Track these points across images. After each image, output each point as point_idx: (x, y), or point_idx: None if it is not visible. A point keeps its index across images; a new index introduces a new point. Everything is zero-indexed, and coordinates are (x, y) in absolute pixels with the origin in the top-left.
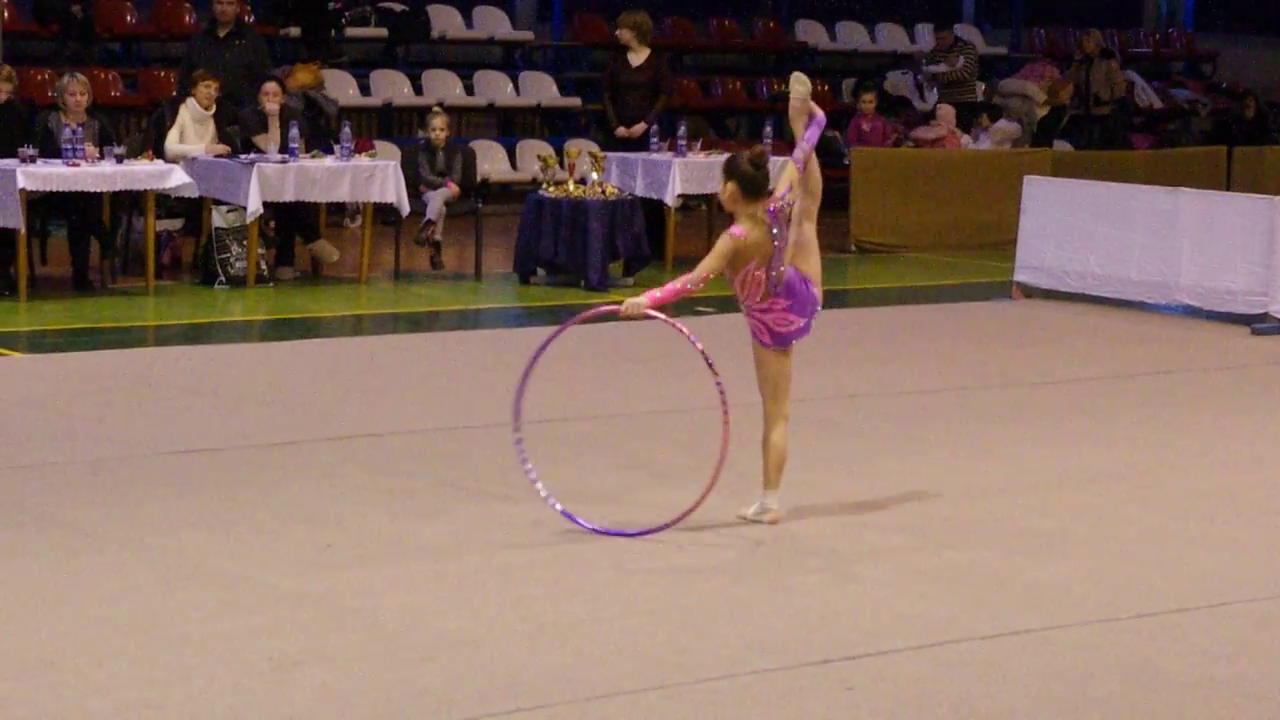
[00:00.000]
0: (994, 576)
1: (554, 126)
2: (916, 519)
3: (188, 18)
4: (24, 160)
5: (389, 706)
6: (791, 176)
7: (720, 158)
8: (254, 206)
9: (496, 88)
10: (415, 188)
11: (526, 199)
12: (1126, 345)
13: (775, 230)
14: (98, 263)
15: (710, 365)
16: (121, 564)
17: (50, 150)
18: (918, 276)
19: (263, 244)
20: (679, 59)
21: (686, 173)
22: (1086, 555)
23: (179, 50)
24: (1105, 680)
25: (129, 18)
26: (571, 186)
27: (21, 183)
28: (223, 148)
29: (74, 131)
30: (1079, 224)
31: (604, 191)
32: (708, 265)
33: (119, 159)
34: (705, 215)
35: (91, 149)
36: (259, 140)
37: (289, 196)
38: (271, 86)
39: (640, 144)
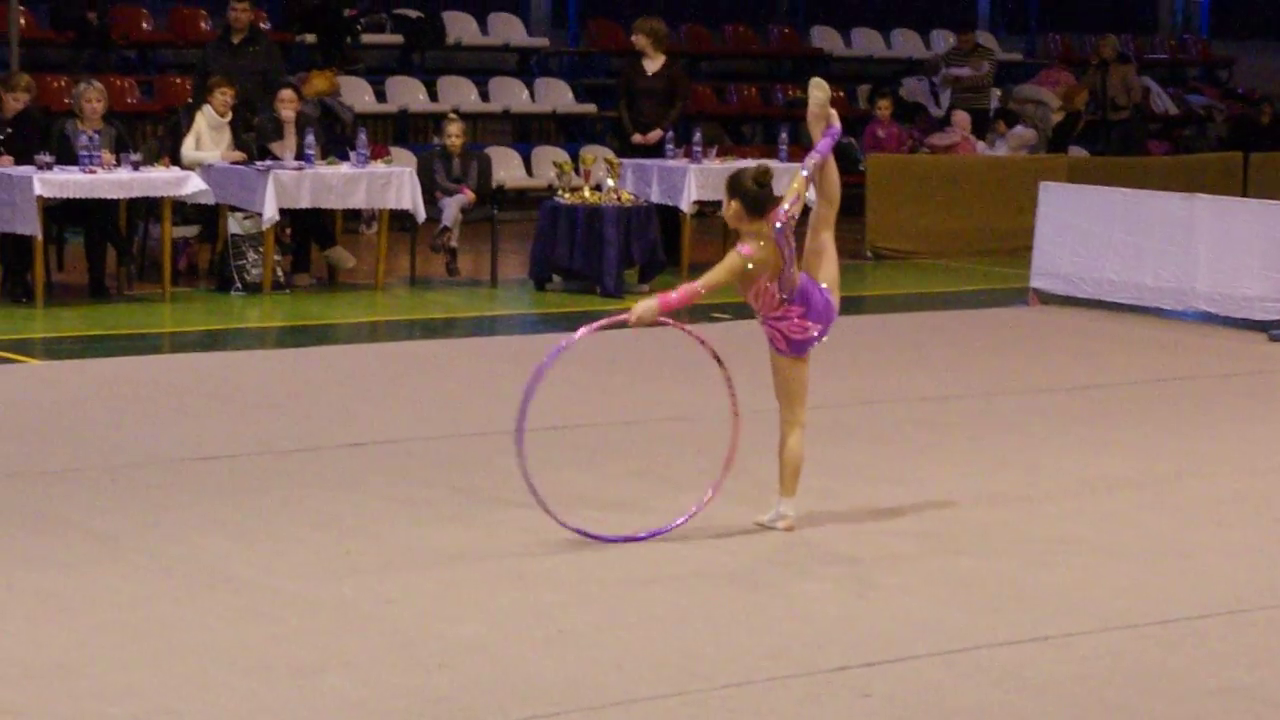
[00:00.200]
0: (1012, 583)
1: (569, 133)
2: (934, 525)
3: (204, 25)
4: (41, 167)
5: (406, 713)
6: (798, 188)
7: (736, 164)
8: (270, 213)
9: (512, 94)
10: (431, 194)
11: (542, 205)
12: (1143, 351)
13: (782, 244)
14: (114, 269)
15: (718, 359)
16: (139, 570)
17: (67, 157)
18: (934, 283)
19: (279, 251)
20: (694, 65)
21: (702, 179)
22: (1104, 562)
23: (195, 57)
24: (1124, 687)
25: (145, 25)
26: (587, 193)
27: (38, 190)
28: (239, 155)
29: (90, 139)
30: (1095, 230)
31: (619, 198)
32: (716, 278)
33: (135, 166)
34: (721, 221)
35: (108, 156)
36: (275, 147)
37: (305, 203)
38: (287, 94)
39: (656, 150)
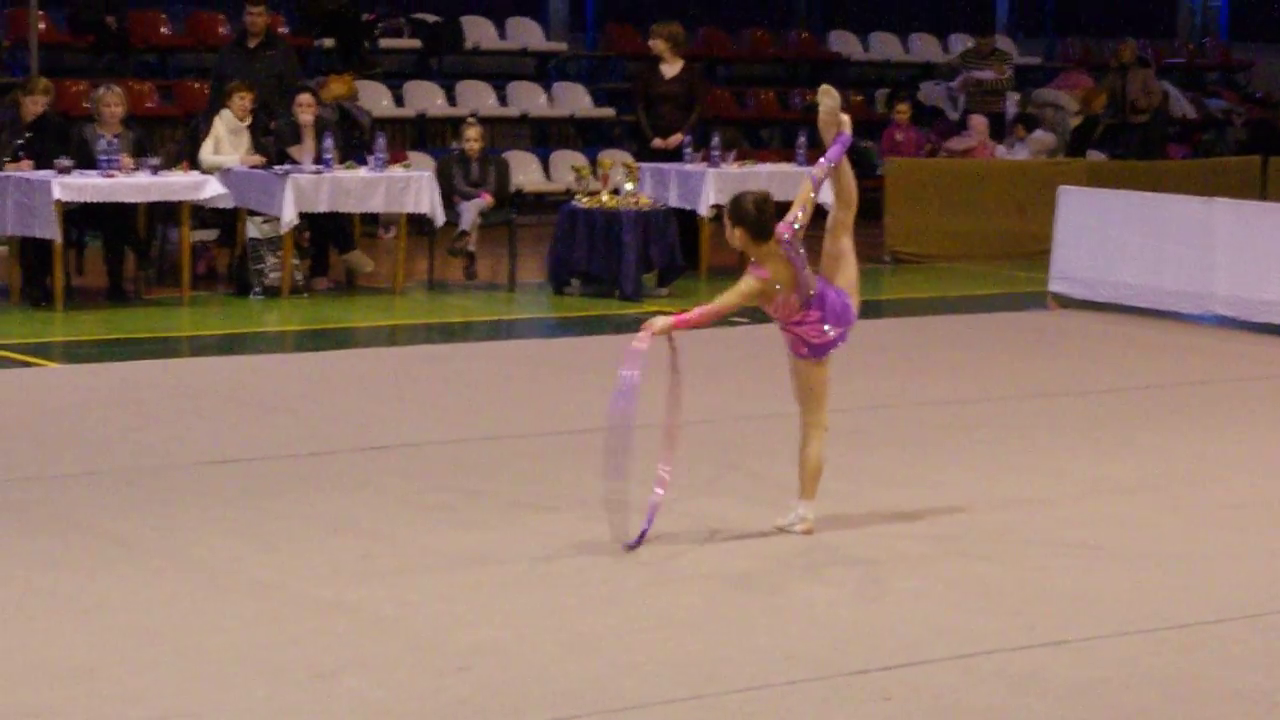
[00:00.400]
0: (1030, 587)
1: (587, 137)
2: (952, 529)
3: (222, 29)
4: (60, 171)
5: (424, 715)
6: (804, 198)
7: (754, 168)
8: (289, 217)
9: (530, 98)
10: (449, 198)
11: (560, 209)
12: (1162, 355)
13: (792, 254)
14: (133, 273)
15: (676, 367)
16: (159, 573)
17: (86, 161)
18: (952, 287)
19: (297, 255)
20: (712, 70)
21: (720, 183)
22: (1122, 566)
23: (213, 62)
24: (1142, 691)
25: (163, 29)
26: (605, 197)
27: (57, 194)
28: (257, 158)
29: (109, 143)
30: (1114, 234)
31: (638, 202)
32: (732, 301)
33: (154, 170)
34: None
35: (127, 160)
36: (293, 151)
37: (323, 207)
38: (306, 98)
39: (674, 154)
